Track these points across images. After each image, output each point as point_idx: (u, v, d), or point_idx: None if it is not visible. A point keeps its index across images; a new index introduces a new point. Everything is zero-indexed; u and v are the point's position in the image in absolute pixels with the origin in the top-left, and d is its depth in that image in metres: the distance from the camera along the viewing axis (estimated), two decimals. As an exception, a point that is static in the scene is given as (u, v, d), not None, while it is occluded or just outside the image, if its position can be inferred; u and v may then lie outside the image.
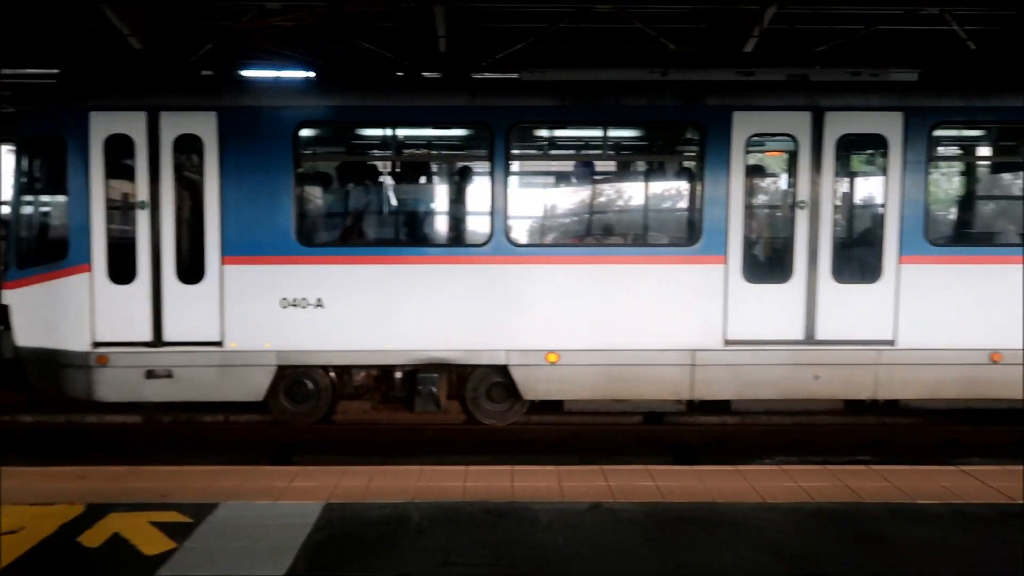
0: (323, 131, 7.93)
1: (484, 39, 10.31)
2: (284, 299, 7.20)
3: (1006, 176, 9.00)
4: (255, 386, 7.30)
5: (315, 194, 8.11)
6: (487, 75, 9.14)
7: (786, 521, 4.16)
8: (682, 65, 7.76)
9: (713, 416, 8.19)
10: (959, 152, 8.77)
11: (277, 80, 8.44)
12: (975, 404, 7.84)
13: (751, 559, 3.73)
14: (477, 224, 7.69)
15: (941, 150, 8.16)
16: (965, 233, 8.19)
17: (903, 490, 4.55)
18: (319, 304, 7.20)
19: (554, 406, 7.86)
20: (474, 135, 7.89)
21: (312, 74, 8.44)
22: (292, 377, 7.51)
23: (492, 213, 7.29)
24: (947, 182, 8.83)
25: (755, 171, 7.97)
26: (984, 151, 8.75)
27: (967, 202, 8.59)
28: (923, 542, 3.91)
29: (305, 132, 7.41)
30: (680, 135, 8.12)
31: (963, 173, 8.79)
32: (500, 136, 7.26)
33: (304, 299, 7.21)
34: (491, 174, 7.31)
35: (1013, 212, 8.57)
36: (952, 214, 8.54)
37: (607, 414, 8.01)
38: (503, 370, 7.45)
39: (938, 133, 7.60)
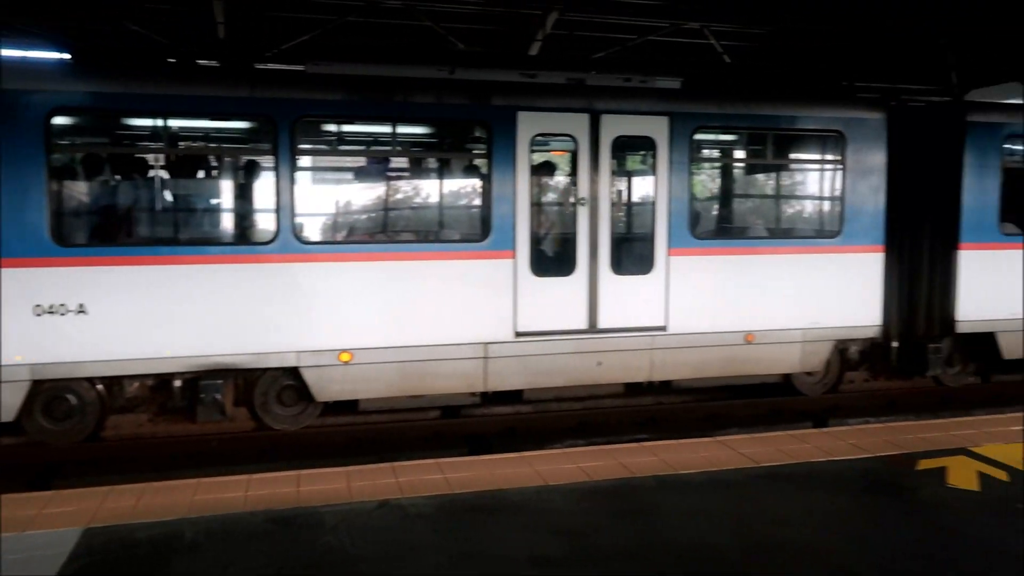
0: (82, 119, 7.19)
1: (268, 29, 9.88)
2: (38, 306, 6.44)
3: (758, 177, 10.13)
4: (3, 405, 6.48)
5: (74, 189, 7.33)
6: (271, 66, 8.76)
7: (565, 501, 4.39)
8: (470, 64, 7.92)
9: (507, 406, 8.46)
10: (718, 154, 9.70)
11: (24, 60, 7.53)
12: (735, 381, 8.73)
13: (532, 539, 3.90)
14: (262, 221, 7.36)
15: (702, 152, 9.00)
16: (724, 227, 9.09)
17: (668, 463, 4.97)
18: (81, 310, 6.53)
19: (351, 406, 7.73)
20: (256, 128, 7.52)
21: (68, 56, 7.62)
22: (51, 392, 6.75)
23: (278, 210, 6.99)
24: (708, 181, 9.76)
25: (540, 169, 8.30)
26: (739, 154, 9.75)
27: (725, 199, 9.55)
28: (684, 508, 4.30)
29: (59, 120, 6.66)
30: (468, 133, 8.27)
31: (722, 173, 9.76)
32: (284, 130, 6.98)
33: (63, 305, 6.50)
34: (276, 169, 7.00)
35: (764, 208, 9.66)
36: (713, 210, 9.44)
37: (404, 411, 8.01)
38: (294, 372, 7.19)
39: (699, 137, 8.36)
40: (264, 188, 7.27)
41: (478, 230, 7.70)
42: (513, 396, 8.29)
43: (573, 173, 7.94)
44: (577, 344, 7.88)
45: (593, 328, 7.90)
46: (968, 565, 3.65)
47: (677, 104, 8.11)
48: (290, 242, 7.02)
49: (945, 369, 9.39)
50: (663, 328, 8.08)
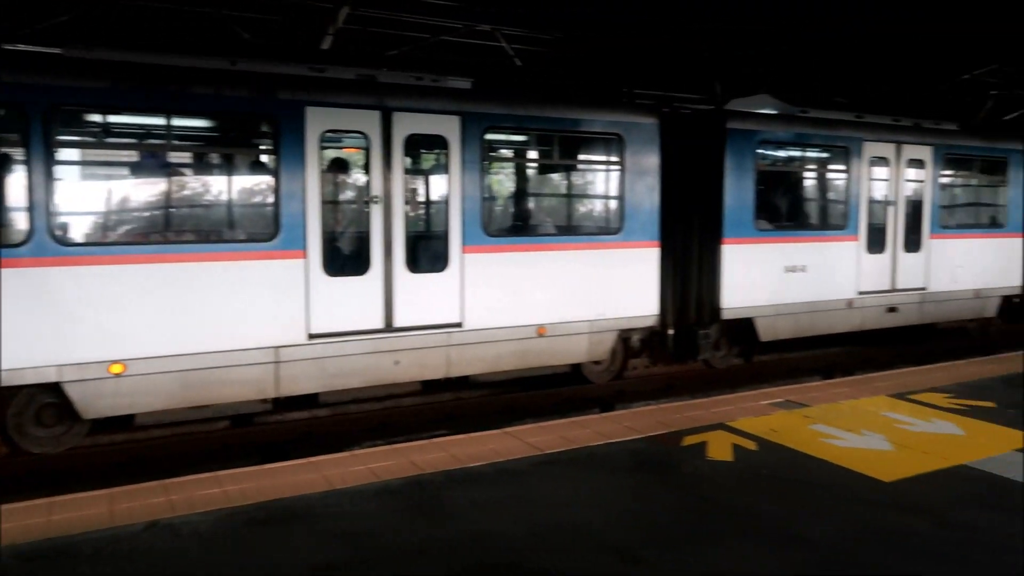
0: None
1: (21, 7, 8.83)
2: None
3: (546, 176, 10.57)
4: None
5: None
6: (22, 47, 7.83)
7: (352, 504, 4.33)
8: (254, 56, 7.56)
9: (303, 411, 8.21)
10: (509, 154, 10.00)
11: None
12: (529, 373, 9.07)
13: (314, 547, 3.81)
14: (12, 221, 6.56)
15: (493, 152, 9.24)
16: (516, 225, 9.39)
17: (458, 457, 5.07)
18: None
19: (125, 422, 7.12)
20: (4, 117, 6.70)
21: None
22: None
23: (31, 208, 6.28)
24: (500, 180, 10.04)
25: (332, 167, 8.13)
26: (528, 154, 10.11)
27: (517, 198, 9.87)
28: (471, 500, 4.40)
29: None
30: (254, 128, 7.90)
31: (513, 173, 10.09)
32: (37, 119, 6.29)
33: None
34: (28, 163, 6.29)
35: (553, 207, 10.09)
36: (505, 208, 9.73)
37: (188, 423, 7.52)
38: (55, 388, 6.50)
39: (490, 137, 8.58)
40: (13, 185, 6.49)
41: (266, 229, 7.38)
42: (310, 400, 8.06)
43: (366, 171, 7.84)
44: (374, 344, 7.80)
45: (389, 327, 7.86)
46: (719, 526, 4.05)
47: (468, 104, 8.26)
48: (46, 244, 6.33)
49: (713, 353, 10.37)
50: (459, 325, 8.21)
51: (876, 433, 5.61)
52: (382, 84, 7.96)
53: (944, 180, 12.01)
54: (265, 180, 7.69)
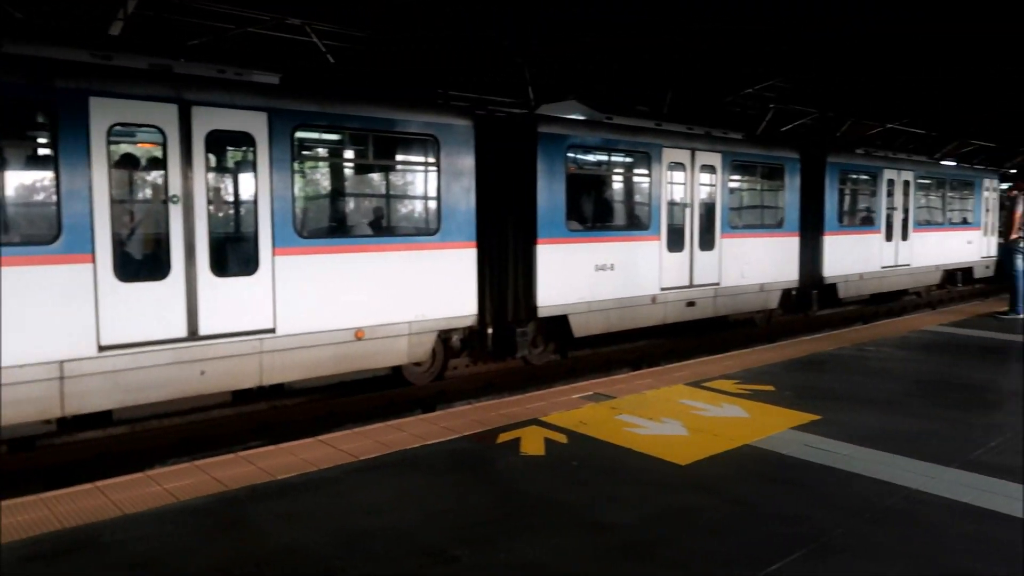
0: None
1: None
2: None
3: (362, 176, 10.39)
4: None
5: None
6: None
7: (148, 529, 4.00)
8: (26, 39, 6.80)
9: (96, 430, 7.51)
10: (322, 153, 9.72)
11: None
12: (348, 377, 8.88)
13: (101, 580, 3.48)
14: None
15: (305, 151, 8.94)
16: (331, 226, 9.15)
17: (266, 470, 4.84)
18: None
19: None
20: None
21: None
22: None
23: None
24: (313, 180, 9.74)
25: (123, 163, 7.49)
26: (342, 153, 9.88)
27: (331, 198, 9.62)
28: (279, 514, 4.22)
29: None
30: (27, 118, 7.10)
31: (326, 172, 9.82)
32: None
33: None
34: None
35: (369, 207, 9.93)
36: (319, 209, 9.45)
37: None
38: None
39: (301, 135, 8.30)
40: None
41: (46, 231, 6.68)
42: (104, 417, 7.39)
43: (164, 168, 7.30)
44: (176, 354, 7.29)
45: (194, 335, 7.38)
46: (531, 519, 4.16)
47: (276, 100, 7.94)
48: None
49: (531, 350, 10.70)
50: (272, 330, 7.87)
51: (674, 420, 6.03)
52: (179, 76, 7.45)
53: (732, 185, 13.16)
54: (43, 177, 6.95)
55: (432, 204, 9.28)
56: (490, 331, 10.02)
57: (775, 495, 4.54)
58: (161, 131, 7.18)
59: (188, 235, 7.33)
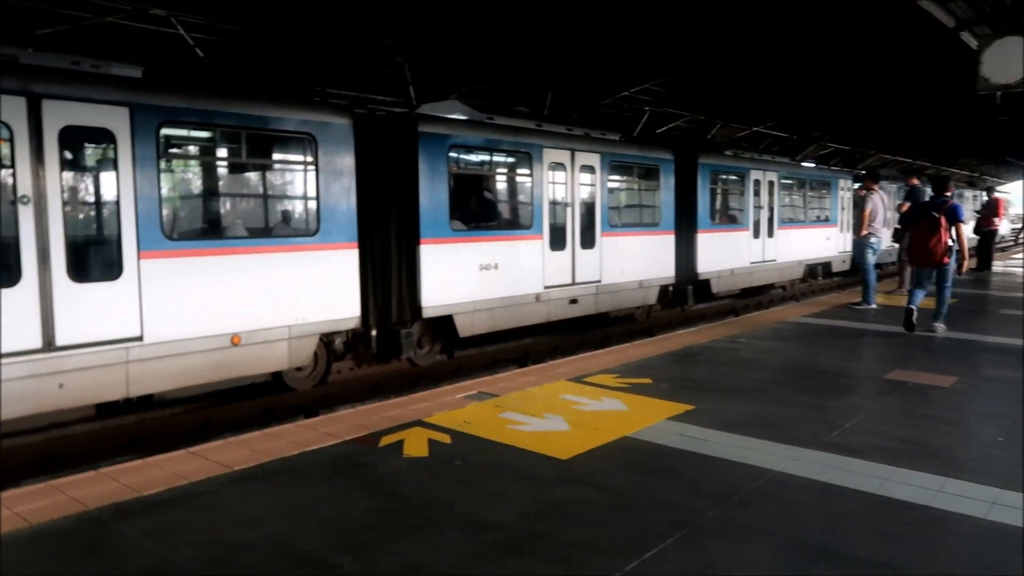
0: None
1: None
2: None
3: (235, 176, 9.99)
4: None
5: None
6: None
7: (-5, 557, 3.69)
8: None
9: (-64, 453, 6.87)
10: (192, 151, 9.28)
11: None
12: (224, 385, 8.52)
13: (-61, 617, 3.18)
14: None
15: (173, 149, 8.51)
16: (203, 228, 8.74)
17: (132, 486, 4.57)
18: None
19: None
20: None
21: None
22: None
23: None
24: (182, 180, 9.27)
25: (-37, 161, 6.89)
26: (214, 152, 9.47)
27: (203, 199, 9.19)
28: (145, 533, 3.98)
29: None
30: None
31: (197, 172, 9.37)
32: None
33: None
34: None
35: (244, 208, 9.57)
36: (190, 210, 9.02)
37: None
38: None
39: (168, 132, 7.88)
40: None
41: None
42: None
43: (12, 167, 6.76)
44: (29, 367, 6.77)
45: (50, 346, 6.88)
46: (413, 521, 4.13)
47: (139, 95, 7.51)
48: None
49: (417, 351, 10.63)
50: (139, 338, 7.45)
51: (556, 415, 6.14)
52: (27, 67, 6.92)
53: (611, 184, 13.56)
54: None
55: (311, 204, 9.05)
56: (374, 333, 9.87)
57: (651, 484, 4.71)
58: (7, 126, 6.65)
59: (41, 238, 6.82)
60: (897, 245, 14.38)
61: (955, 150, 37.82)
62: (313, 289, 8.90)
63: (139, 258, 7.43)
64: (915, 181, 14.73)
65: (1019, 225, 50.44)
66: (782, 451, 5.26)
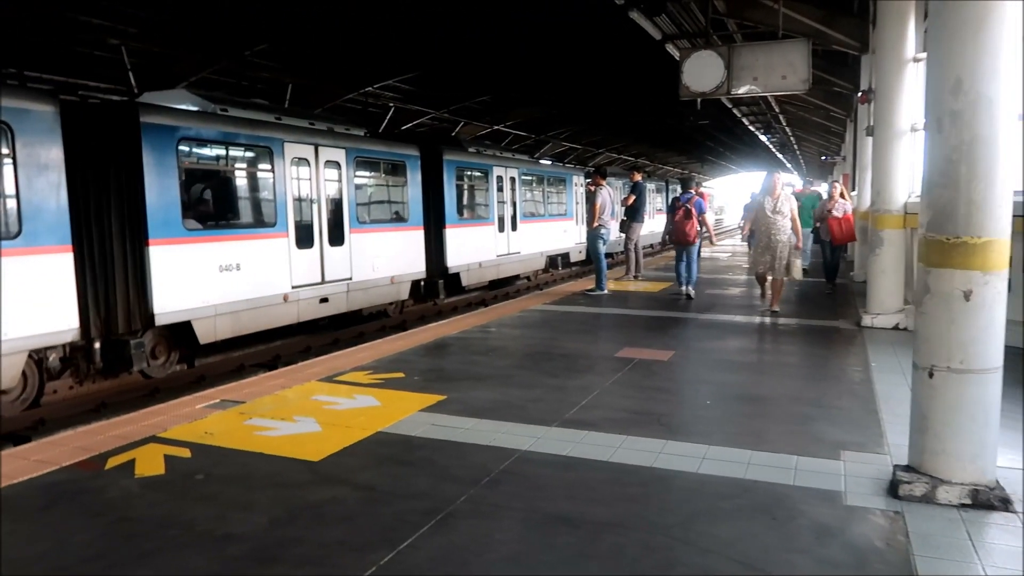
0: None
1: None
2: None
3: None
4: None
5: None
6: None
7: None
8: None
9: None
10: None
11: None
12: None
13: None
14: None
15: None
16: None
17: None
18: None
19: None
20: None
21: None
22: None
23: None
24: None
25: None
26: None
27: None
28: None
29: None
30: None
31: None
32: None
33: None
34: None
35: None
36: None
37: None
38: None
39: None
40: None
41: None
42: None
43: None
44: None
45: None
46: (149, 545, 3.79)
47: None
48: None
49: (150, 362, 9.74)
50: None
51: (307, 417, 5.97)
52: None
53: (358, 180, 13.43)
54: None
55: (10, 203, 7.90)
56: (98, 345, 8.88)
57: (404, 475, 4.76)
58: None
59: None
60: (624, 235, 15.86)
61: (668, 149, 42.61)
62: (16, 300, 7.78)
63: None
64: (637, 177, 16.23)
65: (722, 216, 58.81)
66: (528, 431, 5.59)
